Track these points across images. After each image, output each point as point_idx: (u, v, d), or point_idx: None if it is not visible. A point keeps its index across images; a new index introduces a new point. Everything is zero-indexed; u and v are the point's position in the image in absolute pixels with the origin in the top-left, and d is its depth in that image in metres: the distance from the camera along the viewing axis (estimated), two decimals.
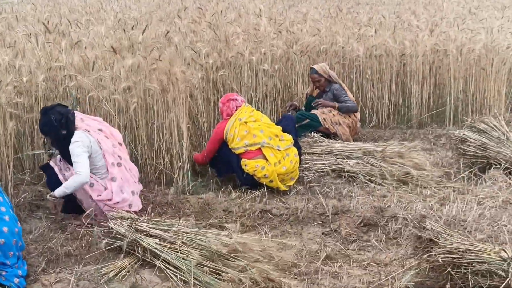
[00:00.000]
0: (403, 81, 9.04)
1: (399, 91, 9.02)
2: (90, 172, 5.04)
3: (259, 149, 6.18)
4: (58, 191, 4.99)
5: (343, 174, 6.57)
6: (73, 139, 5.05)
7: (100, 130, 5.28)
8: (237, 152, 6.20)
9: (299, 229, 5.35)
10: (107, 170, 5.20)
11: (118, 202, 5.16)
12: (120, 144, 5.44)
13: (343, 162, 6.69)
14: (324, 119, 7.62)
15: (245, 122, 6.23)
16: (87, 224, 5.08)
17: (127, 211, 5.15)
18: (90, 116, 5.47)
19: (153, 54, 6.40)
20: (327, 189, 6.26)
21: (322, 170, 6.65)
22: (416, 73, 8.87)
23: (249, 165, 6.13)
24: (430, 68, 9.00)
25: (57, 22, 8.00)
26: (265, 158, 6.17)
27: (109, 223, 4.87)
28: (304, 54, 8.54)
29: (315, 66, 7.86)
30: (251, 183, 6.22)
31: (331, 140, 7.34)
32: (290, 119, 7.08)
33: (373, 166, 6.63)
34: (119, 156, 5.29)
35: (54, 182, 5.14)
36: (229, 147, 6.25)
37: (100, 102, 6.06)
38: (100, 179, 5.18)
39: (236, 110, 6.35)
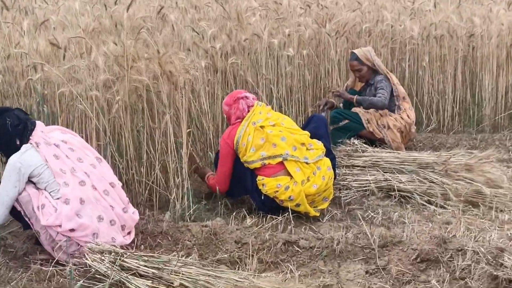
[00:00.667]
0: (472, 70, 9.04)
1: (467, 83, 9.01)
2: (43, 189, 5.13)
3: (281, 162, 6.10)
4: None
5: (392, 193, 6.58)
6: (14, 155, 5.12)
7: (64, 141, 5.31)
8: (251, 166, 6.17)
9: (335, 267, 5.32)
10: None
11: (73, 230, 5.06)
12: (99, 159, 5.47)
13: (392, 177, 6.70)
14: (368, 120, 7.64)
15: (261, 127, 6.14)
16: (58, 260, 5.09)
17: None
18: (58, 127, 5.52)
19: (142, 37, 6.43)
20: (372, 214, 6.25)
21: (365, 188, 6.66)
22: (488, 60, 8.85)
23: (268, 185, 6.09)
24: (508, 53, 8.97)
25: None
26: (289, 174, 6.13)
27: (86, 258, 4.88)
28: (340, 35, 8.55)
29: (356, 51, 7.88)
30: (271, 207, 6.18)
31: (377, 149, 7.34)
32: (321, 120, 6.93)
33: (433, 182, 6.62)
34: (85, 173, 5.29)
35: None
36: (241, 160, 6.22)
37: (74, 99, 6.08)
38: (55, 198, 5.14)
39: (248, 111, 6.31)
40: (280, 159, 6.08)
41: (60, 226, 5.03)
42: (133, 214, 5.49)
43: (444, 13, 8.92)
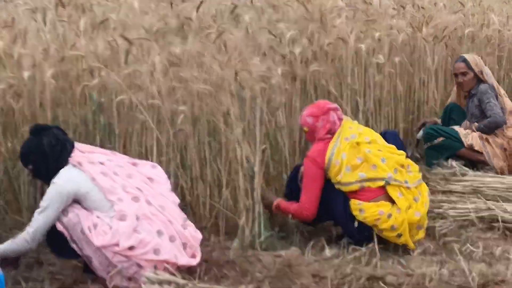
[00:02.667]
0: None
1: None
2: (98, 210, 5.18)
3: (381, 187, 6.03)
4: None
5: (496, 224, 6.51)
6: (56, 177, 5.19)
7: (109, 160, 5.38)
8: (346, 189, 6.07)
9: None
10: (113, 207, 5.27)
11: (132, 248, 5.12)
12: (151, 179, 5.53)
13: (497, 206, 6.63)
14: (467, 134, 7.58)
15: (357, 143, 6.08)
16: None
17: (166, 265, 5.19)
18: (99, 148, 5.65)
19: (213, 39, 6.49)
20: (471, 247, 6.18)
21: (464, 217, 6.60)
22: None
23: (368, 211, 6.00)
24: None
25: None
26: (389, 199, 6.06)
27: None
28: (439, 41, 8.50)
29: (465, 55, 7.85)
30: (366, 237, 6.10)
31: (478, 173, 7.26)
32: (392, 135, 6.82)
33: None
34: (137, 188, 5.36)
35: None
36: (333, 181, 6.13)
37: (135, 109, 6.14)
38: (108, 217, 5.22)
39: (340, 125, 6.24)
40: (382, 183, 6.02)
41: (117, 245, 5.07)
42: (195, 232, 5.53)
43: None
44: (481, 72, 7.76)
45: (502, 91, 7.84)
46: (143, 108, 6.10)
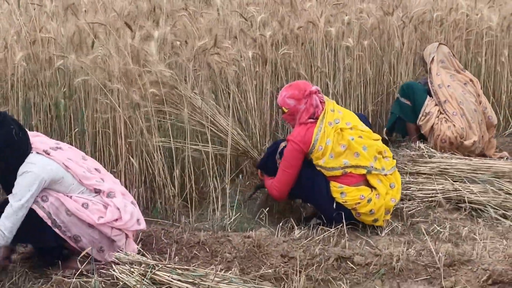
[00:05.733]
0: None
1: None
2: (74, 193, 5.17)
3: (362, 173, 6.13)
4: None
5: (462, 205, 6.56)
6: (28, 163, 5.09)
7: (57, 147, 5.34)
8: (329, 173, 6.12)
9: (394, 287, 5.33)
10: (93, 190, 5.28)
11: (129, 220, 5.24)
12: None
13: (463, 187, 6.68)
14: (428, 113, 7.62)
15: (341, 129, 6.10)
16: (81, 271, 5.13)
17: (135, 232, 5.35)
18: (35, 133, 5.52)
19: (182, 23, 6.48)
20: (438, 228, 6.22)
21: (431, 199, 6.65)
22: None
23: (349, 195, 6.07)
24: None
25: None
26: (368, 185, 6.15)
27: (114, 270, 4.91)
28: (408, 23, 8.52)
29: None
30: (344, 219, 6.09)
31: (446, 155, 7.28)
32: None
33: (509, 194, 6.59)
34: (95, 169, 5.38)
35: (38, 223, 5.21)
36: (315, 164, 6.15)
37: (103, 92, 6.11)
38: (92, 197, 5.25)
39: (322, 108, 6.18)
40: (364, 171, 6.09)
41: (116, 220, 5.17)
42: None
43: None
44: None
45: (438, 82, 7.77)
46: (109, 91, 6.07)
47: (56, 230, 5.09)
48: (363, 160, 6.06)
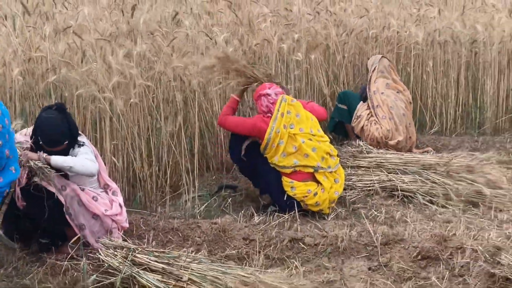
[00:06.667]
0: (474, 75, 9.00)
1: (469, 88, 8.98)
2: (86, 186, 5.18)
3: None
4: (58, 160, 4.94)
5: (396, 193, 6.56)
6: (80, 142, 5.19)
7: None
8: (281, 170, 6.14)
9: (339, 263, 5.31)
10: (103, 186, 5.35)
11: (125, 217, 5.36)
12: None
13: (396, 178, 6.68)
14: (359, 116, 7.64)
15: (294, 134, 6.09)
16: (72, 255, 5.08)
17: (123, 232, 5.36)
18: None
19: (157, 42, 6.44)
20: (376, 213, 6.23)
21: (369, 188, 6.65)
22: (490, 66, 8.82)
23: (298, 189, 6.10)
24: (509, 59, 8.94)
25: (38, 1, 8.04)
26: (315, 180, 6.17)
27: (100, 253, 4.86)
28: (347, 41, 8.53)
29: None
30: (291, 207, 6.14)
31: (381, 150, 7.29)
32: None
33: (435, 183, 6.60)
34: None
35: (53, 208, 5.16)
36: (270, 161, 6.16)
37: (93, 101, 6.05)
38: (100, 192, 5.31)
39: (271, 109, 6.17)
40: (311, 170, 6.13)
41: (117, 214, 5.26)
42: None
43: (448, 20, 8.89)
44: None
45: (374, 88, 7.78)
46: (98, 101, 6.02)
47: (67, 217, 5.13)
48: (311, 161, 6.09)
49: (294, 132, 6.10)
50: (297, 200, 6.11)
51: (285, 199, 6.13)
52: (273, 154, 6.11)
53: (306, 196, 6.08)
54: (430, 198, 6.47)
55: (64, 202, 5.10)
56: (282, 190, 6.14)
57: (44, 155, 4.87)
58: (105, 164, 5.72)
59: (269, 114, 6.16)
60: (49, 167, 4.92)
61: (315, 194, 6.08)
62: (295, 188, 6.10)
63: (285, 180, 6.13)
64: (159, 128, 6.48)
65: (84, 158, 5.03)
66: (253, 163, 6.24)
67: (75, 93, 6.06)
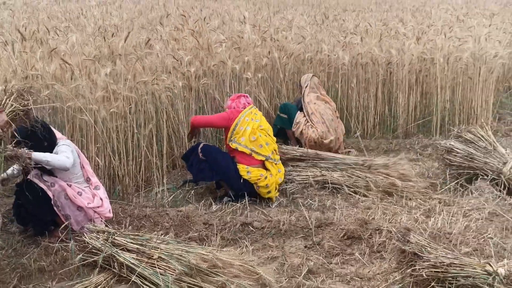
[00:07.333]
0: (389, 90, 9.07)
1: (385, 100, 9.05)
2: (71, 181, 5.15)
3: (262, 160, 6.28)
4: (38, 155, 4.80)
5: (327, 185, 6.56)
6: (60, 143, 5.13)
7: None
8: (239, 148, 6.19)
9: (281, 243, 5.32)
10: (86, 179, 5.25)
11: (107, 208, 5.31)
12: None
13: (327, 173, 6.68)
14: (298, 122, 7.65)
15: (256, 128, 6.28)
16: (62, 238, 5.02)
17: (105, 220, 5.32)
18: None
19: (133, 62, 6.38)
20: (311, 201, 6.25)
21: (305, 181, 6.63)
22: (402, 82, 8.90)
23: (253, 173, 6.18)
24: (417, 77, 9.04)
25: (34, 29, 7.92)
26: (264, 168, 6.27)
27: (85, 237, 4.81)
28: (288, 62, 8.55)
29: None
30: (248, 191, 6.20)
31: (317, 152, 7.30)
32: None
33: (358, 177, 6.62)
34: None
35: (43, 200, 5.09)
36: (233, 138, 6.23)
37: (78, 112, 5.97)
38: (84, 186, 5.24)
39: (244, 108, 6.40)
40: (263, 158, 6.25)
41: (99, 206, 5.23)
42: None
43: (368, 45, 8.93)
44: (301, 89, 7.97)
45: (307, 99, 7.83)
46: (85, 111, 5.94)
47: (55, 208, 5.10)
48: (264, 151, 6.24)
49: (257, 126, 6.28)
50: (252, 182, 6.16)
51: (242, 181, 6.17)
52: (241, 135, 6.21)
53: (259, 179, 6.15)
54: (354, 189, 6.48)
55: (52, 197, 5.08)
56: (239, 176, 6.16)
57: (27, 150, 4.75)
58: (90, 163, 5.67)
59: (241, 109, 6.38)
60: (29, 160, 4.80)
61: (266, 177, 6.17)
62: (250, 172, 6.16)
63: (242, 167, 6.17)
64: (135, 133, 6.41)
65: (61, 155, 4.98)
66: (213, 158, 6.20)
67: (65, 105, 5.99)
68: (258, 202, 6.23)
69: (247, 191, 6.19)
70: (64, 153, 5.03)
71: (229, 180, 6.25)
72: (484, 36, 9.39)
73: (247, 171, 6.17)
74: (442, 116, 8.93)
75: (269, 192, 6.22)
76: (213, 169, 6.20)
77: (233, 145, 6.22)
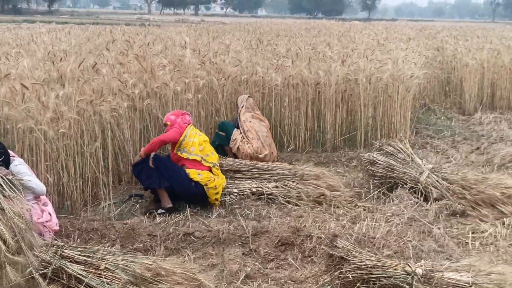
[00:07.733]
0: (318, 108, 9.16)
1: (315, 117, 9.14)
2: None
3: (209, 166, 6.46)
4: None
5: (262, 196, 6.56)
6: (15, 163, 4.98)
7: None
8: (190, 157, 6.35)
9: (220, 251, 5.29)
10: (34, 197, 5.13)
11: (54, 222, 5.18)
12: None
13: (263, 185, 6.69)
14: (234, 140, 7.65)
15: (203, 140, 6.54)
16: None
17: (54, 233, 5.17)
18: None
19: (80, 85, 6.27)
20: (248, 211, 6.23)
21: (243, 193, 6.62)
22: (329, 101, 9.01)
23: (204, 175, 6.31)
24: (343, 96, 9.17)
25: None
26: (210, 171, 6.45)
27: (34, 250, 4.66)
28: (226, 83, 8.55)
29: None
30: (201, 193, 6.27)
31: (255, 164, 7.30)
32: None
33: (291, 188, 6.65)
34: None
35: None
36: (182, 148, 6.36)
37: (29, 132, 5.82)
38: (32, 203, 5.07)
39: (188, 123, 6.55)
40: (211, 165, 6.45)
41: (48, 221, 5.12)
42: None
43: (299, 68, 9.01)
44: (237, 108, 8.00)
45: (243, 118, 7.86)
46: (35, 132, 5.80)
47: None
48: (210, 159, 6.50)
49: (202, 139, 6.54)
50: (202, 184, 6.25)
51: (194, 185, 6.25)
52: (191, 145, 6.38)
53: (209, 180, 6.28)
54: (288, 199, 6.51)
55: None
56: (189, 180, 6.24)
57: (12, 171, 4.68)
58: (40, 180, 5.51)
59: (185, 125, 6.50)
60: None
61: (214, 179, 6.33)
62: (201, 174, 6.31)
63: (193, 171, 6.32)
64: (83, 151, 6.28)
65: (36, 180, 4.95)
66: (164, 166, 6.23)
67: (15, 127, 5.83)
68: (199, 213, 6.17)
69: (196, 192, 6.24)
70: (25, 174, 4.90)
71: (180, 185, 6.23)
72: (401, 58, 9.61)
73: (198, 174, 6.31)
74: (366, 131, 9.07)
75: (217, 193, 6.32)
76: (162, 177, 6.19)
77: (184, 155, 6.36)
